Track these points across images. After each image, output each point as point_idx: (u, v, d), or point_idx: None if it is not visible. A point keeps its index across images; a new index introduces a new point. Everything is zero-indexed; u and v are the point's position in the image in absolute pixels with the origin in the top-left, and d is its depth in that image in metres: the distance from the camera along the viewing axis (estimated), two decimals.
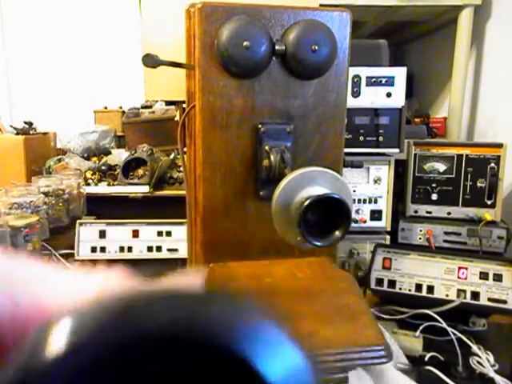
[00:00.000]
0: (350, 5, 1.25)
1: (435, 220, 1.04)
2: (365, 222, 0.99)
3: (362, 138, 0.95)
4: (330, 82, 0.59)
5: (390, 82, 0.93)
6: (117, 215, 1.07)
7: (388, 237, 1.00)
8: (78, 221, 1.05)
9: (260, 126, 0.58)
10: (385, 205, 0.99)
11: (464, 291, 0.81)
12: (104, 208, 1.20)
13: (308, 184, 0.48)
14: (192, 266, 0.66)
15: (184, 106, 0.69)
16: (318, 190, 0.47)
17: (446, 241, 1.03)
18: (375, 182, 0.98)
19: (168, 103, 1.42)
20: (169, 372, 0.12)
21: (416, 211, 1.06)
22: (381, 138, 0.95)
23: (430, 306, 0.79)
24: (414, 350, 0.73)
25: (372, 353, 0.48)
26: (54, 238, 1.05)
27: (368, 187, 0.99)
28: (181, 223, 1.04)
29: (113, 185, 1.23)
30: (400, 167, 1.05)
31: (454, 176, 1.03)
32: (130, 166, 1.25)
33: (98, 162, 1.43)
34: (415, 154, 1.04)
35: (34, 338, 0.12)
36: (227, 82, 0.56)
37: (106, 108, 1.83)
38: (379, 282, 0.86)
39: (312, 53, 0.56)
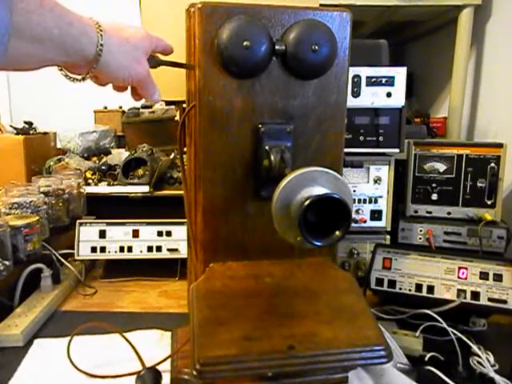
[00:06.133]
0: (350, 5, 1.25)
1: (435, 220, 1.04)
2: (365, 221, 0.99)
3: (362, 138, 0.95)
4: (330, 81, 0.59)
5: (390, 81, 0.93)
6: (117, 215, 1.07)
7: (388, 237, 1.00)
8: (77, 221, 1.05)
9: (260, 126, 0.58)
10: (385, 205, 0.99)
11: (464, 291, 0.81)
12: (104, 208, 1.20)
13: (308, 184, 0.48)
14: (192, 266, 0.66)
15: (184, 105, 0.69)
16: (318, 190, 0.47)
17: (446, 241, 1.03)
18: (375, 182, 0.98)
19: (168, 103, 1.42)
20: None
21: (416, 211, 1.06)
22: (381, 138, 0.95)
23: (430, 306, 0.79)
24: (414, 350, 0.73)
25: (372, 353, 0.48)
26: (54, 238, 1.05)
27: (368, 187, 0.99)
28: (181, 223, 1.04)
29: (113, 185, 1.23)
30: (400, 167, 1.05)
31: (454, 176, 1.03)
32: (130, 166, 1.25)
33: (98, 162, 1.43)
34: (415, 154, 1.04)
35: None
36: (227, 81, 0.56)
37: (105, 108, 1.82)
38: (379, 282, 0.86)
39: (312, 53, 0.56)
